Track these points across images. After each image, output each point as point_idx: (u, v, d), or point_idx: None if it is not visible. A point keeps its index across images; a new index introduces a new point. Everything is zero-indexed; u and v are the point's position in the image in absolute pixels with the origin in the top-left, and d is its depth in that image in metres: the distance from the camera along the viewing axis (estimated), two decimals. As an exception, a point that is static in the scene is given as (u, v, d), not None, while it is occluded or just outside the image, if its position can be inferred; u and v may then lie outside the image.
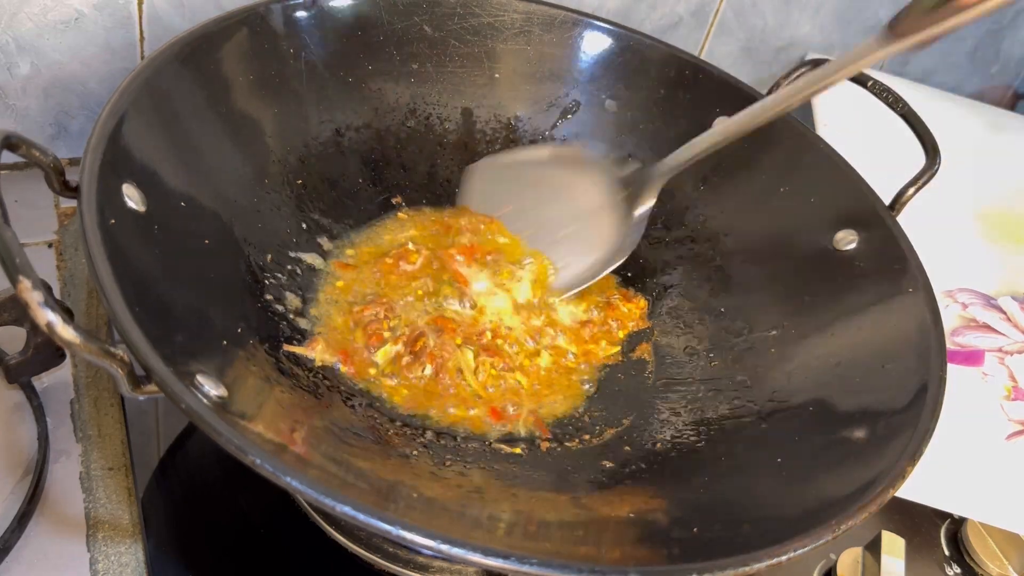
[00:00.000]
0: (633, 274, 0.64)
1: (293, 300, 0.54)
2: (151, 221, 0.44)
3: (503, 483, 0.49)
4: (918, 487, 0.57)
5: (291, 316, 0.53)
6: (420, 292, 0.58)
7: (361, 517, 0.33)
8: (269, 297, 0.53)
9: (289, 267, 0.56)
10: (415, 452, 0.49)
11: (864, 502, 0.40)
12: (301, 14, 0.58)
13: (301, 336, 0.53)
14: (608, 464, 0.51)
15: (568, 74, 0.67)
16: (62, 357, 0.52)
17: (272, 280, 0.54)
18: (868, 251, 0.56)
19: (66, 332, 0.33)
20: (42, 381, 0.52)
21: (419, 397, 0.53)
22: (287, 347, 0.51)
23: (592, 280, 0.61)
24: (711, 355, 0.58)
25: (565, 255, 0.62)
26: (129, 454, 0.51)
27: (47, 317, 0.33)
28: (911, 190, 0.58)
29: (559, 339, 0.59)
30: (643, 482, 0.50)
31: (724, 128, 0.57)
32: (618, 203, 0.62)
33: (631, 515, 0.46)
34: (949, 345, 0.58)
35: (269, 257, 0.54)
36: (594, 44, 0.67)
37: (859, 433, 0.47)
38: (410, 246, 0.60)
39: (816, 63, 0.64)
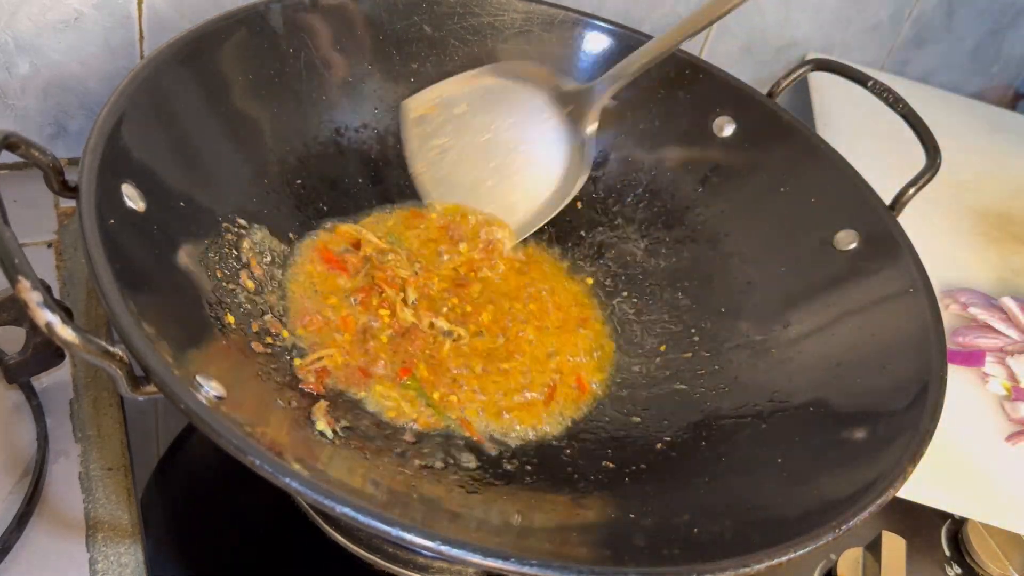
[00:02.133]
0: (632, 273, 0.64)
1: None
2: (150, 221, 0.44)
3: (503, 483, 0.49)
4: (919, 487, 0.57)
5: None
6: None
7: (361, 518, 0.33)
8: (266, 299, 0.53)
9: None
10: (414, 453, 0.49)
11: (865, 502, 0.40)
12: (300, 13, 0.58)
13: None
14: (609, 464, 0.51)
15: (568, 74, 0.67)
16: (61, 357, 0.52)
17: (270, 283, 0.54)
18: (868, 251, 0.56)
19: (65, 332, 0.33)
20: (41, 381, 0.52)
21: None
22: (300, 375, 0.50)
23: (554, 213, 0.63)
24: (711, 355, 0.58)
25: (520, 192, 0.64)
26: (128, 454, 0.50)
27: (46, 317, 0.33)
28: (911, 190, 0.58)
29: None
30: (643, 482, 0.50)
31: (659, 42, 0.60)
32: (564, 120, 0.64)
33: (631, 515, 0.46)
34: (949, 345, 0.58)
35: (268, 258, 0.54)
36: (594, 44, 0.67)
37: (859, 433, 0.47)
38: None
39: (816, 63, 0.65)
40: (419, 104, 0.63)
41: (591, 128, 0.63)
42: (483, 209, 0.63)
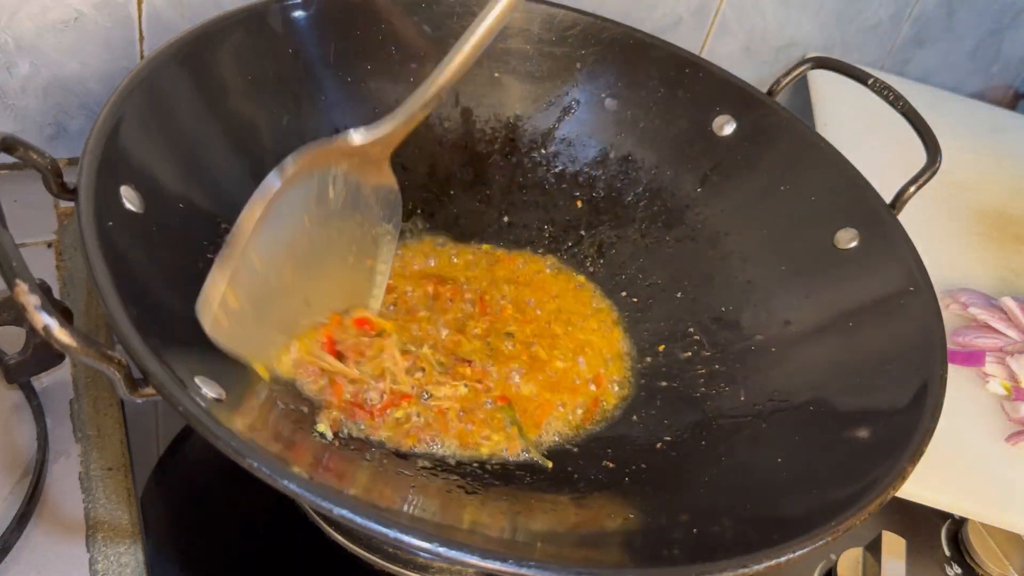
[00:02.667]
0: (632, 273, 0.64)
1: None
2: (149, 223, 0.44)
3: (502, 484, 0.49)
4: (918, 487, 0.57)
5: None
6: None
7: (359, 520, 0.33)
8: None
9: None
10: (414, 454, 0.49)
11: (864, 502, 0.40)
12: (300, 14, 0.58)
13: None
14: (609, 464, 0.51)
15: (568, 73, 0.67)
16: (61, 357, 0.52)
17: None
18: (869, 250, 0.56)
19: (63, 335, 0.33)
20: (41, 381, 0.52)
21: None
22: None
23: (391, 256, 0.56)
24: (711, 355, 0.58)
25: (355, 271, 0.55)
26: (128, 454, 0.51)
27: (44, 320, 0.33)
28: (912, 189, 0.58)
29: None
30: (643, 482, 0.50)
31: (432, 81, 0.48)
32: (349, 179, 0.52)
33: (631, 515, 0.46)
34: (949, 345, 0.58)
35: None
36: (594, 43, 0.67)
37: (859, 433, 0.47)
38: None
39: (816, 62, 0.65)
40: (211, 302, 0.45)
41: (387, 178, 0.54)
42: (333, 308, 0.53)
